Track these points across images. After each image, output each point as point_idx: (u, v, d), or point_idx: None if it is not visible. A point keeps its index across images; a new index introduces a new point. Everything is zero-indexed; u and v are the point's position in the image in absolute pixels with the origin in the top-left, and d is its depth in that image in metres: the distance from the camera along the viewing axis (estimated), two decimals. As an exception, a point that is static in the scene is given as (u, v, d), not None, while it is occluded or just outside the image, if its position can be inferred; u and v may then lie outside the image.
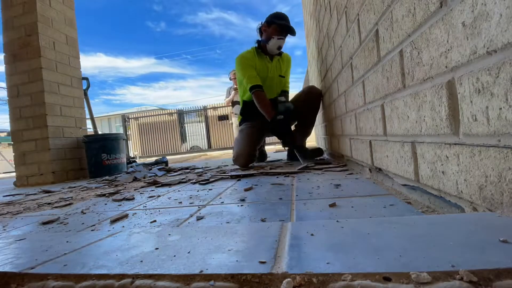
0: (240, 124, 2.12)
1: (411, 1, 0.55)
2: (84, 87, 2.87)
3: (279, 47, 1.91)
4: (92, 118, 2.99)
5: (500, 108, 0.35)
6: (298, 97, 2.00)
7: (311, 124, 2.03)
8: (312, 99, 1.95)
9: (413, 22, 0.55)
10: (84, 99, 2.84)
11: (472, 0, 0.38)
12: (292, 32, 1.91)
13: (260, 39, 2.00)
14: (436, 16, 0.47)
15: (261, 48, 1.97)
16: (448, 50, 0.45)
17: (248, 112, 2.03)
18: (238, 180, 1.30)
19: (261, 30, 1.98)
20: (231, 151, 3.79)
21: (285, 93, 2.10)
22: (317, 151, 1.90)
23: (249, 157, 1.81)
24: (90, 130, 2.91)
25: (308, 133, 2.07)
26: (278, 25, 1.86)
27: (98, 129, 3.07)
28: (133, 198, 1.08)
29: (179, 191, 1.16)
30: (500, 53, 0.35)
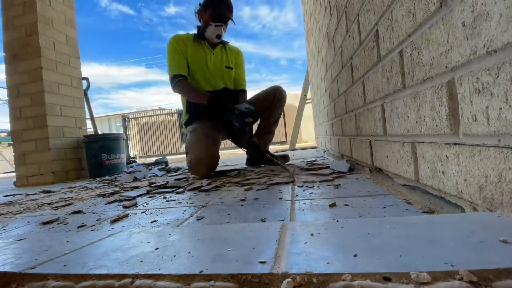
0: (186, 125, 1.73)
1: (411, 1, 0.55)
2: (84, 87, 2.87)
3: (218, 36, 1.63)
4: (92, 118, 2.99)
5: (500, 108, 0.35)
6: (258, 96, 1.83)
7: (272, 128, 1.85)
8: (273, 103, 1.76)
9: (413, 22, 0.55)
10: (84, 99, 2.84)
11: (472, 0, 0.38)
12: (228, 20, 1.63)
13: (199, 24, 1.68)
14: (436, 16, 0.47)
15: (200, 36, 1.67)
16: (448, 50, 0.45)
17: (196, 110, 1.66)
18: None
19: (199, 15, 1.66)
20: (231, 151, 3.76)
21: (242, 92, 1.83)
22: (284, 157, 1.81)
23: (212, 164, 1.50)
24: (90, 130, 2.91)
25: (270, 138, 1.89)
26: (214, 11, 1.57)
27: (98, 129, 3.07)
28: (133, 198, 1.08)
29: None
30: (500, 53, 0.35)
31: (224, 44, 1.78)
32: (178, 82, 1.58)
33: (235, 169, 1.69)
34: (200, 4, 1.65)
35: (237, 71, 1.83)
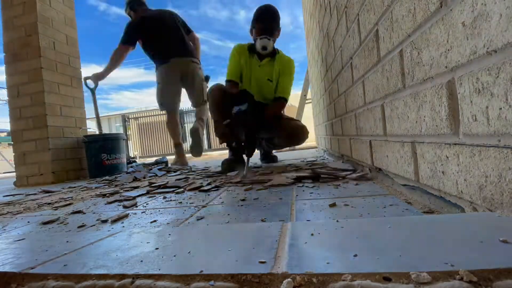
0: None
1: (411, 1, 0.55)
2: (92, 86, 2.83)
3: (263, 47, 1.79)
4: (97, 117, 2.93)
5: (500, 108, 0.35)
6: (287, 123, 1.87)
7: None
8: (290, 141, 1.91)
9: (413, 22, 0.55)
10: (92, 98, 2.79)
11: (472, 0, 0.38)
12: (273, 31, 1.80)
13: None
14: (436, 16, 0.47)
15: (252, 49, 1.88)
16: (448, 50, 0.45)
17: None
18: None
19: (250, 32, 1.90)
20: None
21: (279, 100, 1.90)
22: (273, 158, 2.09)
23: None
24: (90, 130, 2.90)
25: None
26: (257, 25, 1.79)
27: (102, 129, 3.01)
28: (133, 198, 1.08)
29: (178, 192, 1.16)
30: (500, 53, 0.35)
31: (275, 54, 1.89)
32: (227, 83, 1.87)
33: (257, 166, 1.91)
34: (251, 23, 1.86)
35: (280, 79, 1.91)
